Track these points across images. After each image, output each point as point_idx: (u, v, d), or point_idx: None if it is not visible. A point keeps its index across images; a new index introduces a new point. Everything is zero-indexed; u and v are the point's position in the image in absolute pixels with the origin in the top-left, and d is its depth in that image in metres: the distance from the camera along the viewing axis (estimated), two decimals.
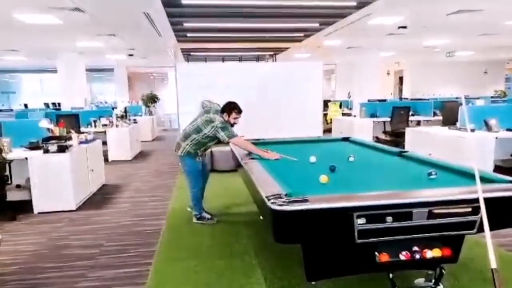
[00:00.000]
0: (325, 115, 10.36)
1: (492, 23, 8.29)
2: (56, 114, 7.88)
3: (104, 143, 7.78)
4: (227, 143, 4.04)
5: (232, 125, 4.05)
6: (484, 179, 2.41)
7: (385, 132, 9.05)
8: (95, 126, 8.54)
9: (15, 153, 4.82)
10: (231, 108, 4.04)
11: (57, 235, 4.04)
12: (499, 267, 1.72)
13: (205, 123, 3.96)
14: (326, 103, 11.13)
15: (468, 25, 8.40)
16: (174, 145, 4.26)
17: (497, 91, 16.46)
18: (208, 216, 4.29)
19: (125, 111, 9.86)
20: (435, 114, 9.42)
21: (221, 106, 4.15)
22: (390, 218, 2.09)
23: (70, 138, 5.30)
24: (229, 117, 4.03)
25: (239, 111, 4.07)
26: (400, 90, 19.08)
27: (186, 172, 4.27)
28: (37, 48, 10.81)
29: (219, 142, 4.11)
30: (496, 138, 5.45)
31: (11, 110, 12.04)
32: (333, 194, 2.25)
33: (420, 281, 2.78)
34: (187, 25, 8.30)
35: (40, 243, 3.83)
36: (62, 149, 4.78)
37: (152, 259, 3.38)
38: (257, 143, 4.37)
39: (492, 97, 13.14)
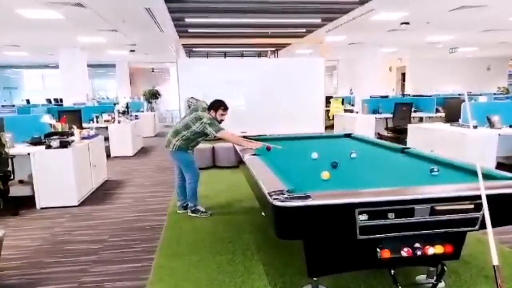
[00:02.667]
0: (327, 111, 10.33)
1: (495, 19, 8.23)
2: (58, 109, 7.88)
3: (106, 139, 7.79)
4: (219, 139, 4.23)
5: (219, 122, 4.22)
6: (487, 176, 2.41)
7: (387, 129, 9.03)
8: (97, 121, 8.53)
9: (18, 149, 4.83)
10: (218, 105, 4.24)
11: (59, 230, 4.06)
12: (501, 264, 1.72)
13: (194, 120, 4.13)
14: (328, 99, 11.10)
15: (471, 21, 8.34)
16: (165, 141, 4.37)
17: (500, 87, 16.39)
18: (202, 209, 4.39)
19: (127, 107, 9.85)
20: (437, 110, 9.38)
21: (208, 103, 4.31)
22: (392, 214, 2.09)
23: (72, 134, 5.31)
24: (216, 114, 4.22)
25: (225, 108, 4.27)
26: (403, 86, 19.01)
27: (182, 166, 4.39)
28: (38, 44, 10.79)
29: (207, 137, 4.29)
30: (499, 135, 5.44)
31: (13, 105, 12.04)
32: (335, 191, 2.25)
33: (421, 277, 2.79)
34: (188, 20, 8.27)
35: (42, 238, 3.85)
36: (64, 145, 4.79)
37: (154, 255, 3.40)
38: (259, 139, 4.38)
39: (495, 93, 13.09)
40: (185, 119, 4.29)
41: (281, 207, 2.01)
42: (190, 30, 9.54)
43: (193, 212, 4.38)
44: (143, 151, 9.29)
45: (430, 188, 2.34)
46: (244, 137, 4.32)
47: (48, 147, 4.76)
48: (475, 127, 5.61)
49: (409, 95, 14.66)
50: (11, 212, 4.56)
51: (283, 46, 12.90)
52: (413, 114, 8.92)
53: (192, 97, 4.58)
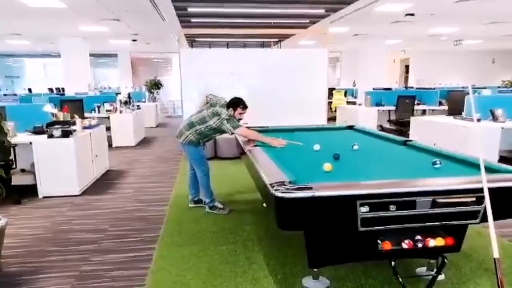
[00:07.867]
0: (329, 103, 10.28)
1: (501, 11, 8.13)
2: (60, 99, 7.88)
3: (108, 128, 7.80)
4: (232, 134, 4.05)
5: (238, 121, 4.06)
6: (489, 169, 2.40)
7: (390, 121, 9.01)
8: (99, 111, 8.53)
9: (20, 137, 4.84)
10: (237, 103, 4.09)
11: (61, 219, 4.08)
12: (501, 257, 1.72)
13: (211, 115, 3.97)
14: (330, 91, 11.04)
15: (477, 13, 8.25)
16: (177, 131, 4.27)
17: (505, 81, 16.26)
18: (220, 206, 4.25)
19: (129, 97, 9.84)
20: (440, 103, 9.32)
21: (227, 100, 4.17)
22: (394, 206, 2.09)
23: (74, 123, 5.31)
24: (234, 112, 4.07)
25: (245, 107, 4.12)
26: (406, 79, 18.90)
27: (190, 160, 4.29)
28: (40, 33, 10.76)
29: (223, 133, 4.12)
30: (502, 128, 5.41)
31: (15, 94, 12.04)
32: (336, 182, 2.25)
33: (421, 269, 2.79)
34: (191, 10, 8.21)
35: (44, 227, 3.87)
36: (66, 134, 4.79)
37: (155, 244, 3.41)
38: (261, 131, 4.36)
39: (499, 87, 12.98)
40: (201, 113, 4.08)
41: (282, 198, 2.01)
42: (192, 20, 9.47)
43: (211, 208, 4.23)
44: (145, 141, 9.29)
45: (432, 181, 2.33)
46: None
47: (50, 136, 4.76)
48: (478, 120, 5.58)
49: (412, 87, 14.58)
50: (13, 200, 4.58)
51: (287, 36, 12.81)
52: (416, 107, 8.87)
53: (211, 94, 4.40)
